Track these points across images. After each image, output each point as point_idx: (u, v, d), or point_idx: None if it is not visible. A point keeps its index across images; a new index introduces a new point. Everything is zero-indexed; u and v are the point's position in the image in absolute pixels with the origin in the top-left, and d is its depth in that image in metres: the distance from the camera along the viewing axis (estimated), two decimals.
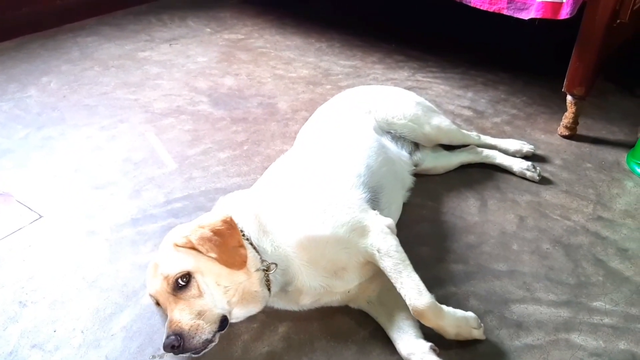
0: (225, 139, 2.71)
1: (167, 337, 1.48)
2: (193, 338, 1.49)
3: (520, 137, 2.79)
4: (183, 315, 1.51)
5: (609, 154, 2.73)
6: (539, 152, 2.67)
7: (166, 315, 1.56)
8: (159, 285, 1.57)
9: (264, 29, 3.97)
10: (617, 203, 2.40)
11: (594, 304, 1.89)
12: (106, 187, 2.37)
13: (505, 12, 2.71)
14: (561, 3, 2.50)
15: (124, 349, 1.68)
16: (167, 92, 3.10)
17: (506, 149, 2.61)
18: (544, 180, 2.49)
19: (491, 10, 2.76)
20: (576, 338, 1.76)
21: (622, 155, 2.71)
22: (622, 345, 1.75)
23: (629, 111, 3.11)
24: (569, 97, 2.74)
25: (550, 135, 2.85)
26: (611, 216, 2.31)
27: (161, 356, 1.65)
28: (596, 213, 2.32)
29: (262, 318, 1.78)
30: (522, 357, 1.69)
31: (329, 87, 3.21)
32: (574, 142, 2.81)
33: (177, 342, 1.46)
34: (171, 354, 1.51)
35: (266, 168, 2.49)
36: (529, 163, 2.50)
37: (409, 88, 2.94)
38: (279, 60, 3.54)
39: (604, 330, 1.80)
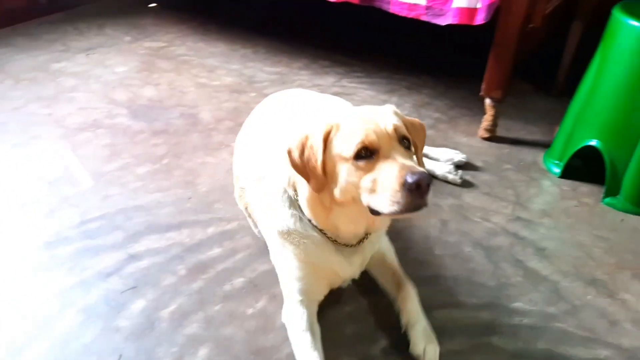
0: (145, 152, 2.61)
1: (421, 174, 1.40)
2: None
3: (444, 141, 2.83)
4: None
5: (527, 154, 2.81)
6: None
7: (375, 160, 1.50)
8: (390, 129, 1.52)
9: (186, 35, 3.88)
10: (535, 203, 2.47)
11: (514, 305, 1.93)
12: (18, 208, 2.24)
13: (423, 18, 2.74)
14: (476, 9, 2.55)
15: None
16: (84, 106, 2.97)
17: (437, 158, 2.62)
18: (465, 183, 2.53)
19: (410, 16, 2.78)
20: (497, 341, 1.79)
21: (539, 155, 2.80)
22: (541, 344, 1.79)
23: (546, 111, 3.21)
24: (487, 101, 2.80)
25: (472, 138, 2.91)
26: (529, 216, 2.37)
27: None
28: (515, 214, 2.38)
29: (181, 342, 1.72)
30: None
31: (253, 94, 3.16)
32: (493, 144, 2.88)
33: (429, 179, 1.42)
34: None
35: (188, 182, 2.44)
36: (451, 166, 2.54)
37: (336, 94, 2.92)
38: (202, 69, 3.46)
39: (523, 331, 1.83)
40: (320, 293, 1.79)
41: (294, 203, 1.71)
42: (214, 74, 3.41)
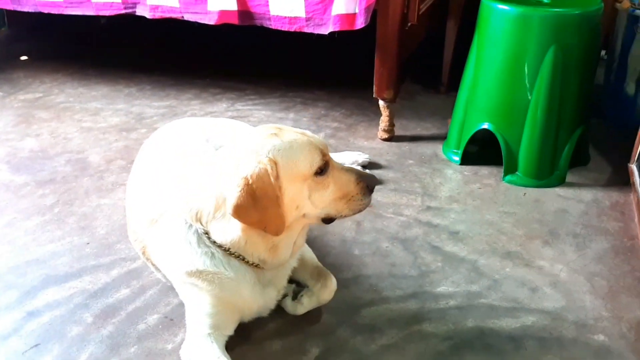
0: (32, 205, 2.40)
1: (374, 178, 1.65)
2: None
3: (345, 147, 2.84)
4: None
5: (427, 148, 2.87)
6: None
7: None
8: (322, 141, 1.61)
9: (64, 83, 3.67)
10: (442, 191, 2.51)
11: (438, 290, 1.93)
12: None
13: (305, 29, 2.76)
14: (355, 14, 2.59)
15: None
16: None
17: (342, 163, 2.60)
18: None
19: (292, 29, 2.79)
20: (427, 327, 1.77)
21: (438, 148, 2.87)
22: (470, 322, 1.79)
23: (437, 107, 3.31)
24: (381, 102, 2.84)
25: (372, 141, 2.94)
26: (438, 204, 2.41)
27: None
28: (425, 204, 2.41)
29: None
30: (381, 359, 1.65)
31: (144, 130, 3.02)
32: (394, 144, 2.92)
33: None
34: None
35: (84, 228, 2.26)
36: (360, 162, 2.55)
37: (230, 118, 2.86)
38: (85, 113, 3.27)
39: (451, 313, 1.83)
40: (232, 328, 1.68)
41: (201, 238, 1.60)
42: (99, 116, 3.24)
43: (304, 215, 1.56)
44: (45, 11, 3.20)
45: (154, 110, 3.29)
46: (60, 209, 2.38)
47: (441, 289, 1.93)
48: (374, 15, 2.60)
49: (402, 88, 2.98)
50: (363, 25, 2.59)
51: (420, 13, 2.77)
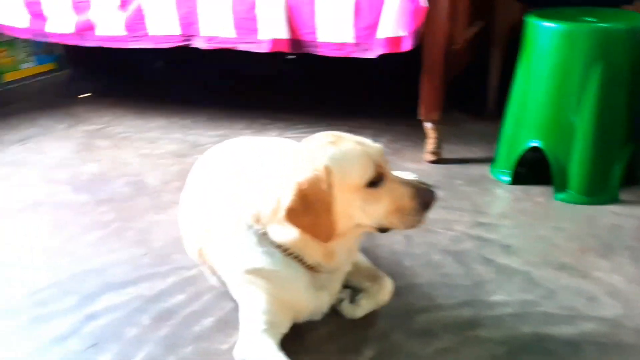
0: (92, 221, 2.50)
1: (434, 193, 1.59)
2: None
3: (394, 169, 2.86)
4: None
5: (475, 170, 2.88)
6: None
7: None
8: (380, 151, 1.60)
9: (122, 116, 3.85)
10: (492, 208, 2.51)
11: (492, 298, 1.90)
12: None
13: (353, 55, 2.85)
14: (401, 37, 2.67)
15: None
16: (21, 189, 2.85)
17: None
18: None
19: (341, 55, 2.88)
20: (483, 332, 1.75)
21: (485, 169, 2.87)
22: (526, 329, 1.76)
23: (484, 133, 3.31)
24: (427, 124, 2.88)
25: (419, 164, 2.96)
26: (489, 220, 2.40)
27: None
28: (475, 220, 2.40)
29: None
30: None
31: (198, 156, 3.07)
32: (441, 166, 2.93)
33: None
34: None
35: (140, 241, 2.34)
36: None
37: None
38: (143, 142, 3.42)
39: (506, 320, 1.80)
40: (286, 325, 1.69)
41: (261, 238, 1.64)
42: (156, 144, 3.38)
43: (357, 225, 1.58)
44: (108, 45, 3.40)
45: (208, 138, 3.41)
46: (118, 225, 2.47)
47: (495, 297, 1.90)
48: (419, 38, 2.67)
49: (447, 115, 3.01)
50: (410, 48, 2.66)
51: (465, 38, 2.84)
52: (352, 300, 1.82)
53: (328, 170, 1.49)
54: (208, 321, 1.84)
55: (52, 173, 3.03)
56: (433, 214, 2.39)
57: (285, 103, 3.95)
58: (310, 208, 1.49)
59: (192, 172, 2.12)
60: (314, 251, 1.61)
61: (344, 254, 1.66)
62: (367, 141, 1.61)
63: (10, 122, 3.83)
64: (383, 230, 1.61)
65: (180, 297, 1.97)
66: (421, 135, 3.00)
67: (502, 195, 2.62)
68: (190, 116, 3.81)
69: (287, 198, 1.50)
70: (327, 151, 1.53)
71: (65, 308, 1.94)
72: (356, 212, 1.54)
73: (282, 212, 1.51)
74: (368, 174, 1.51)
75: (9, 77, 4.54)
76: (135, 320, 1.86)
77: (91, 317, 1.89)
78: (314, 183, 1.48)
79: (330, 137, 1.60)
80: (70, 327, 1.84)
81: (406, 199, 1.54)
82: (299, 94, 4.19)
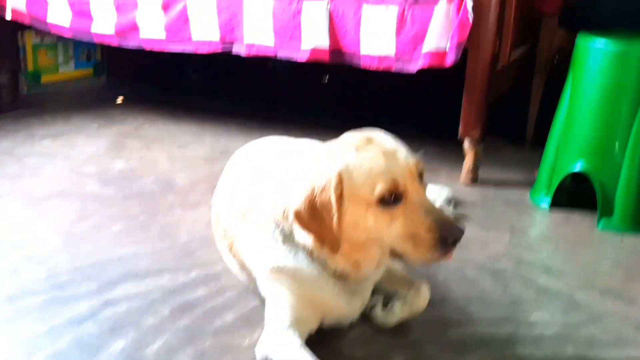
0: (118, 213, 2.46)
1: (460, 232, 1.40)
2: None
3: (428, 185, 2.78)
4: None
5: (512, 194, 2.77)
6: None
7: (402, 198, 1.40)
8: (412, 166, 1.43)
9: (155, 120, 3.85)
10: (531, 231, 2.41)
11: (532, 318, 1.79)
12: None
13: (394, 68, 2.80)
14: (445, 52, 2.62)
15: None
16: (50, 179, 2.83)
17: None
18: (458, 218, 2.44)
19: (381, 68, 2.84)
20: (522, 351, 1.63)
21: (524, 194, 2.76)
22: (570, 350, 1.63)
23: (523, 159, 3.22)
24: (466, 143, 2.80)
25: (455, 184, 2.87)
26: (528, 242, 2.30)
27: None
28: (513, 241, 2.29)
29: None
30: None
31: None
32: (477, 187, 2.83)
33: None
34: None
35: (165, 235, 2.28)
36: (444, 198, 2.47)
37: None
38: (174, 145, 3.39)
39: (547, 341, 1.68)
40: (312, 324, 1.59)
41: (288, 238, 1.57)
42: (187, 148, 3.35)
43: (372, 240, 1.47)
44: (149, 48, 3.41)
45: (239, 145, 3.34)
46: (144, 218, 2.42)
47: (535, 317, 1.78)
48: (463, 53, 2.61)
49: (485, 141, 2.93)
50: (453, 63, 2.60)
51: (510, 58, 2.78)
52: (385, 306, 1.72)
53: (339, 179, 1.41)
54: (230, 317, 1.76)
55: (81, 167, 3.01)
56: (469, 232, 2.32)
57: (320, 118, 3.91)
58: (317, 215, 1.42)
59: (227, 164, 2.08)
60: (337, 261, 1.52)
61: (370, 265, 1.57)
62: (401, 152, 1.45)
63: (45, 118, 3.85)
64: (397, 255, 1.46)
65: (202, 291, 1.89)
66: (458, 158, 2.92)
67: (541, 220, 2.51)
68: (222, 124, 3.79)
69: (298, 199, 1.44)
70: (345, 157, 1.44)
71: (84, 292, 1.87)
72: (367, 227, 1.43)
73: (290, 213, 1.46)
74: (379, 191, 1.37)
75: (47, 78, 4.61)
76: (155, 310, 1.78)
77: (110, 303, 1.81)
78: (326, 190, 1.41)
79: (358, 140, 1.48)
80: (88, 311, 1.77)
81: (421, 228, 1.36)
82: (335, 110, 4.15)
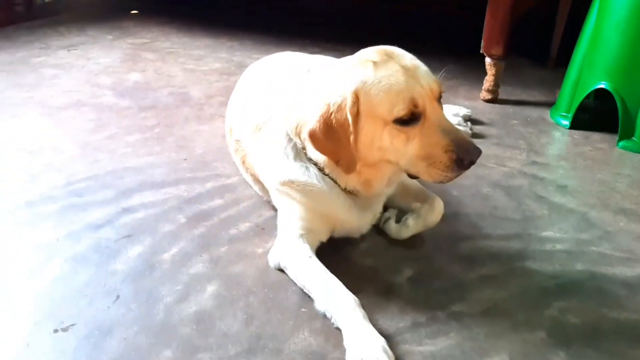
0: (133, 124, 2.47)
1: (477, 152, 1.37)
2: None
3: (446, 104, 2.73)
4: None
5: (533, 112, 2.72)
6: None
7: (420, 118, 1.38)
8: (433, 86, 1.40)
9: (170, 33, 3.79)
10: (549, 149, 2.36)
11: (544, 234, 1.79)
12: None
13: None
14: None
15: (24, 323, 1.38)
16: (66, 89, 2.83)
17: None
18: (475, 136, 2.42)
19: None
20: (532, 265, 1.64)
21: (545, 113, 2.71)
22: (579, 266, 1.64)
23: (545, 79, 3.15)
24: (487, 60, 2.72)
25: (474, 101, 2.82)
26: (545, 160, 2.26)
27: (65, 329, 1.37)
28: (530, 159, 2.27)
29: (186, 280, 1.53)
30: (480, 288, 1.54)
31: None
32: (497, 105, 2.79)
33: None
34: None
35: (181, 147, 2.28)
36: (460, 118, 2.43)
37: None
38: (189, 58, 3.35)
39: (558, 256, 1.69)
40: (322, 235, 1.61)
41: (300, 153, 1.56)
42: (202, 61, 3.31)
43: (389, 161, 1.45)
44: None
45: (254, 60, 3.26)
46: (160, 130, 2.42)
47: (547, 233, 1.79)
48: None
49: (508, 60, 2.84)
50: None
51: None
52: (399, 220, 1.73)
53: (355, 97, 1.36)
54: (244, 226, 1.79)
55: (96, 78, 2.99)
56: (486, 149, 2.30)
57: (337, 35, 3.81)
58: (333, 134, 1.38)
59: (241, 78, 2.05)
60: (349, 178, 1.51)
61: (381, 183, 1.56)
62: (420, 69, 1.40)
63: (60, 30, 3.80)
64: (411, 175, 1.46)
65: (218, 202, 1.91)
66: (479, 75, 2.85)
67: (560, 138, 2.47)
68: (237, 39, 3.72)
69: (312, 119, 1.40)
70: (361, 74, 1.38)
71: (101, 200, 1.91)
72: (384, 146, 1.40)
73: (304, 134, 1.42)
74: (397, 110, 1.34)
75: None
76: (171, 218, 1.82)
77: (127, 210, 1.85)
78: (342, 108, 1.36)
79: (377, 55, 1.42)
80: (105, 217, 1.81)
81: (438, 148, 1.35)
82: (355, 27, 4.03)
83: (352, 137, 1.38)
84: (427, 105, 1.37)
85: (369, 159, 1.45)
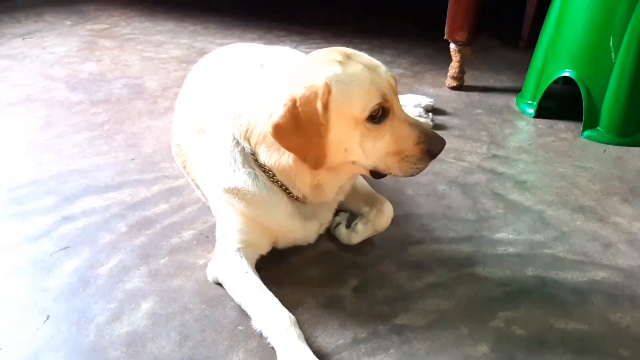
0: (83, 121, 2.38)
1: (443, 142, 1.40)
2: None
3: (409, 93, 2.65)
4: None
5: (498, 100, 2.65)
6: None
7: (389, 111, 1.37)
8: (392, 80, 1.41)
9: (131, 17, 3.66)
10: (511, 141, 2.30)
11: (497, 235, 1.74)
12: None
13: None
14: None
15: None
16: (17, 83, 2.72)
17: (404, 105, 2.44)
18: (436, 127, 2.34)
19: None
20: (481, 271, 1.60)
21: (511, 100, 2.64)
22: (530, 271, 1.60)
23: (514, 62, 3.07)
24: (452, 46, 2.63)
25: (439, 89, 2.74)
26: (506, 153, 2.20)
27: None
28: (490, 152, 2.21)
29: (120, 297, 1.47)
30: (425, 297, 1.50)
31: None
32: (462, 93, 2.72)
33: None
34: None
35: (130, 146, 2.20)
36: (421, 109, 2.36)
37: None
38: (148, 44, 3.24)
39: (509, 260, 1.64)
40: (262, 248, 1.55)
41: (248, 159, 1.47)
42: (162, 48, 3.20)
43: (353, 162, 1.40)
44: None
45: (216, 46, 3.14)
46: (110, 127, 2.34)
47: (500, 235, 1.74)
48: None
49: (478, 42, 2.76)
50: None
51: None
52: (348, 225, 1.67)
53: (327, 89, 1.30)
54: (188, 234, 1.72)
55: (50, 70, 2.89)
56: (447, 142, 2.25)
57: (304, 17, 3.70)
58: (301, 127, 1.32)
59: (189, 75, 1.94)
60: (300, 182, 1.45)
61: (332, 190, 1.50)
62: (380, 67, 1.40)
63: (16, 16, 3.66)
64: (376, 175, 1.43)
65: (163, 207, 1.85)
66: (446, 60, 2.77)
67: (524, 128, 2.40)
68: (201, 22, 3.60)
69: (277, 112, 1.32)
70: (331, 69, 1.33)
71: (42, 208, 1.83)
72: (353, 146, 1.36)
73: (269, 128, 1.34)
74: (371, 106, 1.32)
75: None
76: (112, 227, 1.75)
77: (67, 219, 1.78)
78: (311, 101, 1.30)
79: (337, 55, 1.37)
80: (44, 227, 1.74)
81: (410, 142, 1.36)
82: (322, 8, 3.92)
83: (322, 129, 1.32)
84: (391, 100, 1.36)
85: (333, 160, 1.39)
